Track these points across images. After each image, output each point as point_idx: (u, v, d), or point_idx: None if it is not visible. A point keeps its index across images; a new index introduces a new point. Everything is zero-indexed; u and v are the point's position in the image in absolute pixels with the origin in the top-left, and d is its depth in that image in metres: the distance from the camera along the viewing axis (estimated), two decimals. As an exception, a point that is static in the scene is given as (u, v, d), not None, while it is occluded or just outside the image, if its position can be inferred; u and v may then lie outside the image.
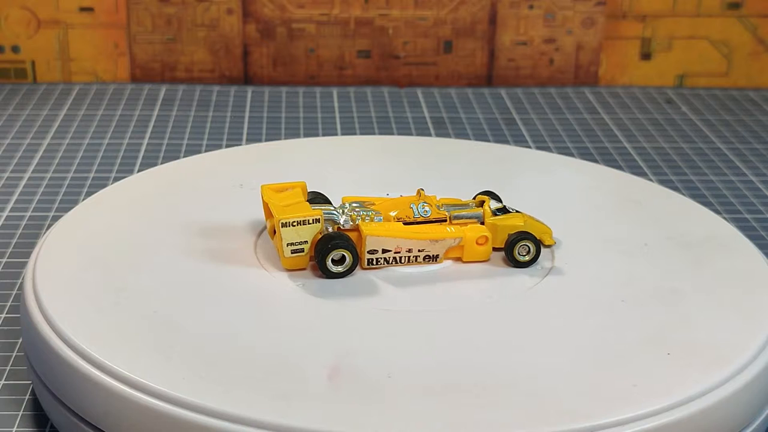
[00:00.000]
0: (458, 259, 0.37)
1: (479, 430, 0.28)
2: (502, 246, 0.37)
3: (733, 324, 0.33)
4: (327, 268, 0.35)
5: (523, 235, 0.36)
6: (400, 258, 0.36)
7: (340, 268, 0.35)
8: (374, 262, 0.36)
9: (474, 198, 0.39)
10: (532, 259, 0.36)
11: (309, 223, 0.35)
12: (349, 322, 0.33)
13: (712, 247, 0.38)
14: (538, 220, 0.38)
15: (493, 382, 0.30)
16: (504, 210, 0.37)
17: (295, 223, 0.35)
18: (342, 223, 0.36)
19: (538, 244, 0.36)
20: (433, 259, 0.36)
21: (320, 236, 0.35)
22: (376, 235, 0.35)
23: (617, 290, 0.35)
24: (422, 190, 0.38)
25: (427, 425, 0.28)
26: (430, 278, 0.36)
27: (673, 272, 0.36)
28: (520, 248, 0.36)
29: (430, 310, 0.34)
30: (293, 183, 0.37)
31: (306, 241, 0.35)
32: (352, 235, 0.36)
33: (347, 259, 0.35)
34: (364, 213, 0.36)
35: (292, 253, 0.35)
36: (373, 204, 0.37)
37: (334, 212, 0.36)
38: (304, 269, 0.36)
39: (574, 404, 0.29)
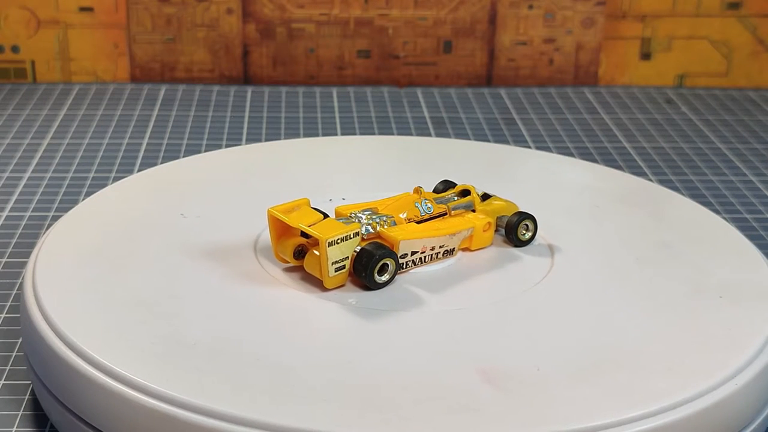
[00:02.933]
0: (466, 249, 0.38)
1: (654, 401, 0.29)
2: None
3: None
4: (375, 279, 0.35)
5: (522, 216, 0.38)
6: (424, 257, 0.36)
7: (385, 277, 0.35)
8: (404, 266, 0.36)
9: (435, 189, 0.40)
10: (532, 236, 0.38)
11: (350, 238, 0.34)
12: (445, 326, 0.33)
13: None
14: (508, 200, 0.39)
15: (620, 356, 0.31)
16: (486, 196, 0.39)
17: (339, 241, 0.34)
18: (363, 232, 0.35)
19: (536, 221, 0.38)
20: (450, 253, 0.37)
21: (356, 249, 0.35)
22: (407, 239, 0.35)
23: (622, 252, 0.37)
24: (421, 187, 0.38)
25: (613, 405, 0.29)
26: (456, 273, 0.36)
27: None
28: (522, 228, 0.38)
29: (496, 301, 0.34)
30: (298, 201, 0.36)
31: (347, 257, 0.34)
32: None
33: (389, 267, 0.35)
34: (381, 219, 0.36)
35: (335, 271, 0.34)
36: (377, 208, 0.37)
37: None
38: (342, 286, 0.35)
39: (704, 360, 0.31)
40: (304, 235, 0.35)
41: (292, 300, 0.34)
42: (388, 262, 0.35)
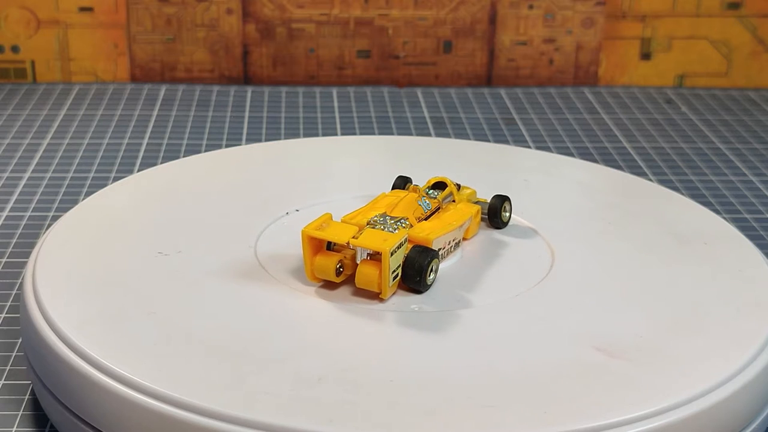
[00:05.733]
0: (463, 239, 0.38)
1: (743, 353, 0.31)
2: None
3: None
4: (427, 282, 0.34)
5: (501, 199, 0.39)
6: (444, 252, 0.36)
7: (432, 277, 0.35)
8: None
9: (394, 185, 0.40)
10: (509, 216, 0.40)
11: (402, 245, 0.34)
12: (521, 313, 0.33)
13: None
14: (470, 187, 0.41)
15: (694, 328, 0.33)
16: (458, 186, 0.40)
17: (396, 250, 0.33)
18: None
19: (510, 201, 0.40)
20: (457, 245, 0.37)
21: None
22: (436, 237, 0.35)
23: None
24: (418, 186, 0.38)
25: (732, 353, 0.31)
26: (467, 266, 0.36)
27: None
28: (503, 210, 0.39)
29: (533, 286, 0.35)
30: (322, 217, 0.35)
31: (399, 264, 0.34)
32: None
33: (435, 267, 0.35)
34: (399, 222, 0.36)
35: (393, 280, 0.34)
36: (383, 211, 0.37)
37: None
38: (395, 293, 0.34)
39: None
40: (328, 248, 0.35)
41: (351, 313, 0.33)
42: (434, 263, 0.35)
